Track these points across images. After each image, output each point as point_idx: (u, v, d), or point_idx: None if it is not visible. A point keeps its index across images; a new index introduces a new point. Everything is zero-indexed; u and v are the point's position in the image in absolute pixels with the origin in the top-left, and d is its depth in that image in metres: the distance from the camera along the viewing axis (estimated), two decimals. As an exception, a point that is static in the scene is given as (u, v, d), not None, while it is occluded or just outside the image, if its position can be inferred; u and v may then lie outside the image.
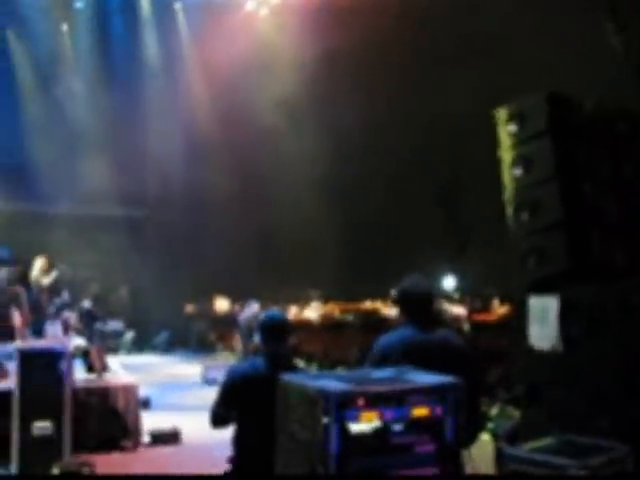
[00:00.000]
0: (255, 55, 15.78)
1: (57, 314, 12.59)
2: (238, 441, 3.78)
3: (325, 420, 2.34)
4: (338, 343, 13.87)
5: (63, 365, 6.26)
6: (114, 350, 15.08)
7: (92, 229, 16.57)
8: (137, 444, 7.72)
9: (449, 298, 12.47)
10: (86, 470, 5.77)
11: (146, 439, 7.94)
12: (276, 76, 15.53)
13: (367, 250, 16.49)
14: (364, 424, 2.41)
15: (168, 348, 17.81)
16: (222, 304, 18.35)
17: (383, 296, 16.09)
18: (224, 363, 13.04)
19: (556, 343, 4.75)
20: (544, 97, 4.93)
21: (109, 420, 7.57)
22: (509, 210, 5.21)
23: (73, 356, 7.60)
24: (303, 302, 15.80)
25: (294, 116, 15.51)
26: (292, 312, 14.91)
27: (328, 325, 14.70)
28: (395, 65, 14.00)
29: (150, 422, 8.26)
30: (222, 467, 3.90)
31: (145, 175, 17.79)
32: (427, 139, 14.55)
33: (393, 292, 15.92)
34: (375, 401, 2.41)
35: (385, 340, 3.69)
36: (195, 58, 17.76)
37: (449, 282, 14.61)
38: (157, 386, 11.44)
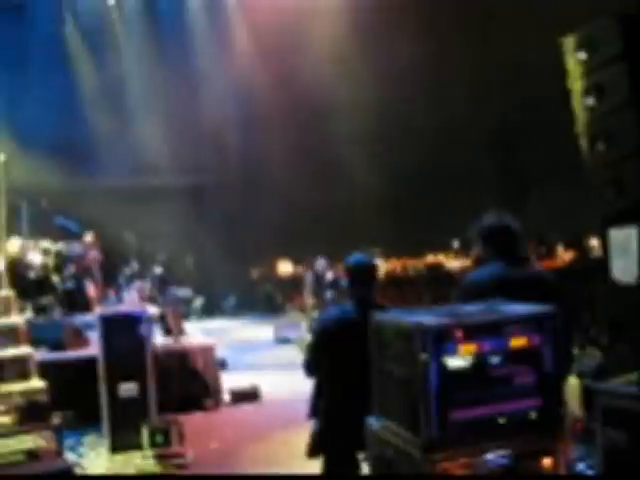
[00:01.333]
0: (303, 9, 15.54)
1: (127, 284, 12.94)
2: (327, 385, 3.76)
3: (423, 355, 2.31)
4: (405, 299, 13.81)
5: (143, 328, 6.41)
6: (185, 316, 15.36)
7: (153, 200, 16.76)
8: (219, 403, 7.91)
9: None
10: (174, 428, 5.91)
11: (226, 398, 8.13)
12: (325, 28, 15.32)
13: (423, 202, 16.31)
14: (462, 357, 2.36)
15: (236, 312, 18.10)
16: (285, 267, 18.51)
17: (444, 248, 15.92)
18: (294, 322, 13.20)
19: (640, 275, 4.59)
20: (616, 19, 4.70)
21: (190, 381, 7.77)
22: (583, 142, 5.02)
23: (150, 320, 7.79)
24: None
25: (345, 67, 15.29)
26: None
27: (393, 281, 14.66)
28: (444, 8, 13.68)
29: (228, 382, 8.44)
30: (302, 421, 3.92)
31: (201, 143, 17.87)
32: (479, 84, 14.21)
33: (456, 243, 15.73)
34: (473, 332, 2.36)
35: (474, 276, 3.61)
36: (242, 18, 17.72)
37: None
38: (231, 348, 11.62)
